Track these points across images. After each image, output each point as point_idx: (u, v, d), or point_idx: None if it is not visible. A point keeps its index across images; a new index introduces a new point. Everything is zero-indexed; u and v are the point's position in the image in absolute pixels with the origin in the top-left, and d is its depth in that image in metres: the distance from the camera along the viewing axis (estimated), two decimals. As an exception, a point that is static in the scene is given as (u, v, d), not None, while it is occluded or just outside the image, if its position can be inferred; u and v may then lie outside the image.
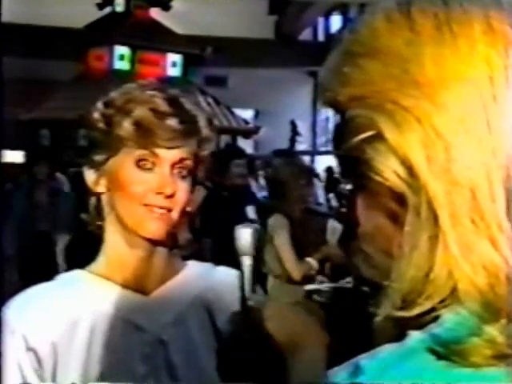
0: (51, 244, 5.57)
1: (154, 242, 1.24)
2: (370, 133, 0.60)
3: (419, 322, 0.59)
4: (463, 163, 0.57)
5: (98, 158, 1.23)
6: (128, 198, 1.20)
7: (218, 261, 1.42)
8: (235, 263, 1.52)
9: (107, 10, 12.99)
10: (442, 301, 0.58)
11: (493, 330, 0.56)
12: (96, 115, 1.23)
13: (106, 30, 12.38)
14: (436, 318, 0.58)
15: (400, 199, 0.60)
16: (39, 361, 1.19)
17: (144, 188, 1.20)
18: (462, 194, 0.57)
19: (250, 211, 4.74)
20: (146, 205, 1.20)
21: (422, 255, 0.58)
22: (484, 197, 0.57)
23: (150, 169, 1.20)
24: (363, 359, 0.59)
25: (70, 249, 5.40)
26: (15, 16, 10.24)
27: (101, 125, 1.22)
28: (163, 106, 1.20)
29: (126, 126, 1.19)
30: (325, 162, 12.45)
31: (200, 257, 1.36)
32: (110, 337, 1.21)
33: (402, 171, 0.59)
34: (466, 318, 0.57)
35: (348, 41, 0.64)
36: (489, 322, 0.56)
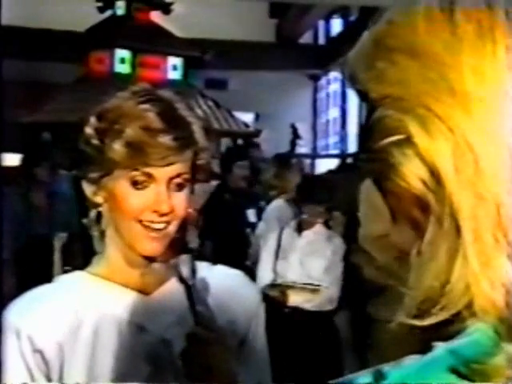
0: (48, 247, 5.52)
1: (151, 259, 1.24)
2: (399, 136, 0.59)
3: (440, 334, 0.58)
4: (490, 177, 0.56)
5: (93, 175, 1.23)
6: (125, 215, 1.20)
7: (219, 263, 1.41)
8: (236, 265, 1.52)
9: (108, 13, 12.97)
10: (457, 314, 0.57)
11: (510, 348, 0.55)
12: (89, 130, 1.22)
13: (106, 33, 12.36)
14: (460, 332, 0.57)
15: (423, 207, 0.59)
16: (46, 362, 1.19)
17: (140, 206, 1.19)
18: (486, 209, 0.56)
19: (251, 214, 4.74)
20: (142, 222, 1.20)
21: (440, 265, 0.57)
22: (508, 214, 0.56)
23: (145, 186, 1.19)
24: (387, 367, 0.59)
25: (67, 249, 5.37)
26: (16, 18, 10.23)
27: (94, 141, 1.21)
28: (155, 121, 1.18)
29: (118, 149, 1.18)
30: (325, 166, 12.42)
31: (201, 259, 1.35)
32: (114, 338, 1.22)
33: (428, 179, 0.58)
34: (489, 337, 0.56)
35: (383, 32, 0.62)
36: (506, 339, 0.56)
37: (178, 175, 1.21)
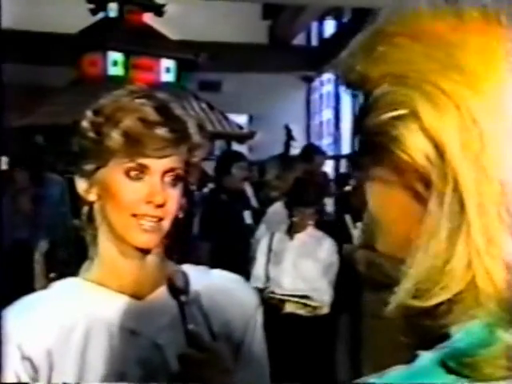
0: (30, 252, 5.44)
1: (145, 251, 1.24)
2: (404, 111, 0.59)
3: (438, 323, 0.57)
4: (495, 154, 0.56)
5: (88, 167, 1.22)
6: (119, 207, 1.20)
7: (216, 265, 1.41)
8: (233, 267, 1.51)
9: (100, 15, 12.95)
10: (457, 294, 0.56)
11: (508, 336, 0.54)
12: (85, 124, 1.23)
13: (99, 36, 12.35)
14: (448, 336, 0.56)
15: (426, 182, 0.58)
16: (35, 368, 1.19)
17: (134, 197, 1.19)
18: (491, 185, 0.56)
19: (247, 216, 4.73)
20: (136, 215, 1.19)
21: (441, 244, 0.57)
22: None
23: (140, 178, 1.19)
24: (373, 378, 0.58)
25: (52, 254, 5.32)
26: (7, 21, 10.21)
27: (90, 134, 1.21)
28: (152, 114, 1.19)
29: (116, 137, 1.18)
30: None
31: (198, 261, 1.35)
32: (106, 343, 1.21)
33: (432, 154, 0.57)
34: (479, 328, 0.55)
35: (383, 21, 0.63)
36: (504, 323, 0.55)
37: (172, 169, 1.21)
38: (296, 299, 4.05)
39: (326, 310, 4.08)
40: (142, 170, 1.20)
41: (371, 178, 0.64)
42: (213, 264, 1.41)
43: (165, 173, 1.21)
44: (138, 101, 1.21)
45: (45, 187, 5.82)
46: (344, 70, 0.65)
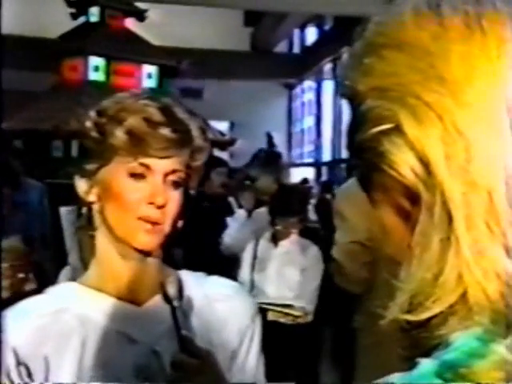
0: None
1: (145, 253, 1.22)
2: (388, 125, 0.58)
3: (432, 335, 0.56)
4: (483, 164, 0.55)
5: (90, 167, 1.23)
6: (120, 208, 1.20)
7: (201, 271, 1.38)
8: (218, 274, 1.47)
9: (81, 19, 12.91)
10: (450, 306, 0.56)
11: (502, 349, 0.53)
12: (89, 124, 1.23)
13: (80, 40, 12.31)
14: (446, 344, 0.55)
15: (413, 197, 0.58)
16: (30, 375, 1.18)
17: (136, 197, 1.19)
18: (479, 196, 0.55)
19: (231, 221, 4.72)
20: (138, 218, 1.19)
21: (432, 257, 0.56)
22: (501, 201, 0.55)
23: (142, 178, 1.20)
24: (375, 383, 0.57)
25: (26, 255, 5.24)
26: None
27: (93, 133, 1.22)
28: (156, 114, 1.20)
29: (119, 135, 1.19)
30: (300, 174, 12.47)
31: (172, 267, 1.33)
32: (103, 349, 1.20)
33: (418, 168, 0.57)
34: (475, 340, 0.54)
35: (372, 32, 0.62)
36: (498, 335, 0.54)
37: (174, 171, 1.21)
38: (279, 308, 4.03)
39: (309, 318, 4.06)
40: (145, 170, 1.20)
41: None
42: (199, 270, 1.39)
43: (167, 174, 1.21)
44: (141, 102, 1.22)
45: (23, 192, 5.76)
46: (340, 81, 0.66)
